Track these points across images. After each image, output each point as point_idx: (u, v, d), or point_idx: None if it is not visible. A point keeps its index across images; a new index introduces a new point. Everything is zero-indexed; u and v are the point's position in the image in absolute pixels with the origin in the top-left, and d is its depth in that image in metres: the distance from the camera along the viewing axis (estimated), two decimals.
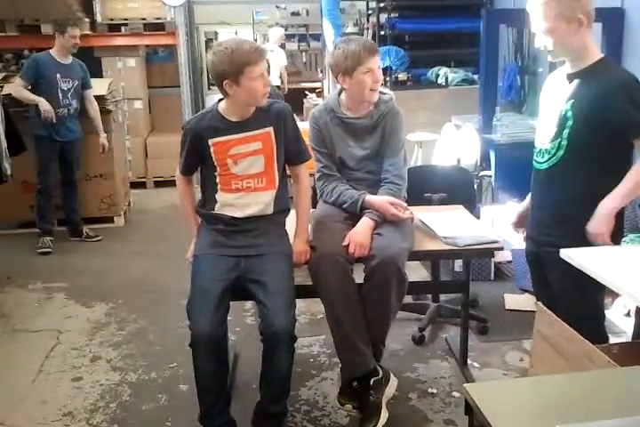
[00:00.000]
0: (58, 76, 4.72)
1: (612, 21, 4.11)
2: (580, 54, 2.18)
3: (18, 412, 2.75)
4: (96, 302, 3.89)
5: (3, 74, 5.54)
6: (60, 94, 4.73)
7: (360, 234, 2.48)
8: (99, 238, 5.06)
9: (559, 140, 2.19)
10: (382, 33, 6.65)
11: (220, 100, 2.49)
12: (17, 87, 4.65)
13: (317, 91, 8.22)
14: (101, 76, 6.50)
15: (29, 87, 4.70)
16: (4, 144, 3.74)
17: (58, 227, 5.12)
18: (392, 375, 2.58)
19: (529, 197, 2.51)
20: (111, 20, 6.76)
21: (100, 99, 5.24)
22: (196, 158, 2.52)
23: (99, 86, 5.38)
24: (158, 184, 6.72)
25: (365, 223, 2.52)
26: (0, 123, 3.71)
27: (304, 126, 2.67)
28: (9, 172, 3.74)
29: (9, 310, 3.78)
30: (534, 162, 2.33)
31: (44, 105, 4.58)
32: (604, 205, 2.13)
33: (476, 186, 4.04)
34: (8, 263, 4.25)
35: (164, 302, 3.82)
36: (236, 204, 2.47)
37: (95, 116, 5.02)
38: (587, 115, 2.13)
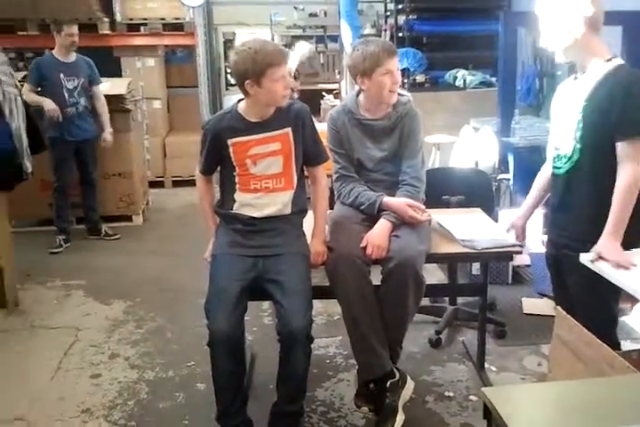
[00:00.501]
0: (61, 75, 4.76)
1: (633, 24, 4.08)
2: (590, 57, 2.17)
3: (36, 408, 2.78)
4: (114, 299, 3.92)
5: (24, 73, 5.59)
6: (66, 93, 4.77)
7: (378, 236, 2.48)
8: (117, 237, 5.10)
9: (574, 144, 2.19)
10: (400, 35, 6.65)
11: (240, 100, 2.50)
12: (26, 91, 4.69)
13: (334, 92, 8.22)
14: (120, 76, 6.55)
15: (39, 89, 4.75)
16: (26, 142, 3.77)
17: (77, 225, 5.18)
18: (409, 378, 2.58)
19: (525, 203, 2.56)
20: (130, 19, 6.82)
21: (119, 98, 5.29)
22: (216, 158, 2.53)
23: (118, 86, 5.44)
24: (176, 184, 6.76)
25: (383, 225, 2.52)
26: (22, 121, 3.74)
27: (321, 127, 2.68)
28: (29, 170, 3.77)
29: (28, 306, 3.83)
30: (553, 168, 2.33)
31: (48, 105, 4.63)
32: (604, 245, 2.08)
33: (494, 189, 4.03)
34: (27, 261, 4.28)
35: (181, 300, 3.85)
36: (254, 204, 2.48)
37: (102, 112, 5.03)
38: (595, 117, 2.13)
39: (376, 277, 2.48)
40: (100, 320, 3.65)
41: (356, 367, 2.58)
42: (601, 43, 2.19)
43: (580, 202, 2.23)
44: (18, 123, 3.70)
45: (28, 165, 3.79)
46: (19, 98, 3.80)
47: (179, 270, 4.33)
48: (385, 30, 7.21)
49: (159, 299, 3.93)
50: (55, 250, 4.80)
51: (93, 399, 2.84)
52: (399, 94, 2.67)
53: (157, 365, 3.13)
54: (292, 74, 7.60)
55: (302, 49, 8.28)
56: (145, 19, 6.82)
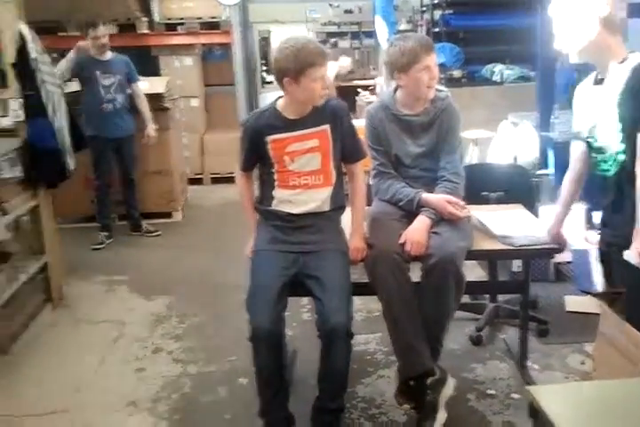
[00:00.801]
0: (97, 72, 4.85)
1: None
2: (607, 57, 2.13)
3: (82, 401, 2.85)
4: (156, 295, 3.99)
5: None
6: (103, 90, 4.86)
7: (417, 232, 2.48)
8: (158, 233, 5.19)
9: (619, 145, 2.15)
10: (436, 30, 6.60)
11: (279, 97, 2.51)
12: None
13: (370, 88, 8.20)
14: (159, 75, 6.65)
15: (71, 79, 4.87)
16: (68, 141, 3.85)
17: (120, 221, 5.27)
18: (449, 376, 2.56)
19: (557, 210, 2.53)
20: (168, 19, 6.90)
21: (157, 97, 5.37)
22: (255, 155, 2.55)
23: (156, 85, 5.52)
24: (215, 181, 6.84)
25: (422, 221, 2.52)
26: (64, 120, 3.82)
27: (357, 124, 2.68)
28: (72, 167, 3.85)
29: (73, 301, 3.92)
30: (601, 171, 2.27)
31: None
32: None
33: (534, 185, 3.98)
34: (72, 256, 4.37)
35: (222, 296, 3.90)
36: (293, 200, 2.50)
37: (142, 109, 5.12)
38: (630, 114, 2.08)
39: (416, 275, 2.47)
40: (143, 315, 3.72)
41: (397, 364, 2.57)
42: (618, 43, 2.13)
43: (631, 202, 2.20)
44: (60, 122, 3.79)
45: (71, 163, 3.88)
46: (62, 97, 3.89)
47: (219, 266, 4.38)
48: (421, 25, 7.16)
49: (200, 294, 3.98)
50: (98, 246, 4.91)
51: (138, 393, 2.89)
52: (437, 90, 2.66)
53: (200, 359, 3.18)
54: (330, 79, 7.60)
55: (343, 63, 8.24)
56: (182, 18, 6.90)
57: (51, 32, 6.58)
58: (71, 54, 4.81)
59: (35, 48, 3.62)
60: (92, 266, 4.49)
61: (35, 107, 3.63)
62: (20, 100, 3.61)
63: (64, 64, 4.75)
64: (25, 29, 3.59)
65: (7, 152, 3.58)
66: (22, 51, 3.58)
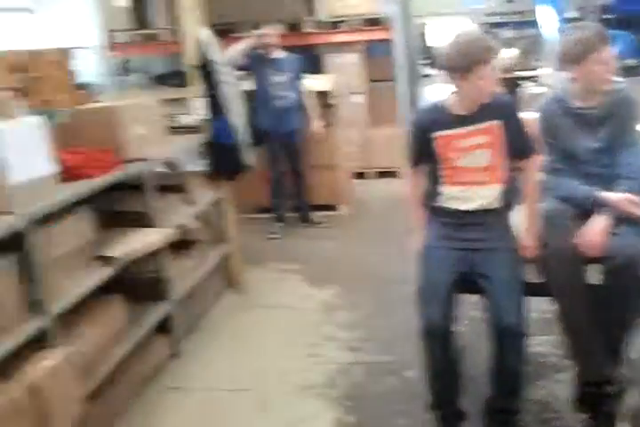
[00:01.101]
0: (268, 70, 5.09)
1: None
2: None
3: (261, 381, 3.07)
4: (326, 284, 4.18)
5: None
6: (273, 87, 5.10)
7: (593, 232, 2.39)
8: (326, 225, 5.40)
9: None
10: (606, 17, 6.25)
11: (448, 93, 2.50)
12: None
13: (533, 79, 7.92)
14: (324, 73, 6.86)
15: (242, 72, 5.07)
16: (246, 136, 4.12)
17: (292, 213, 5.53)
18: (632, 387, 2.45)
19: None
20: (333, 17, 7.10)
21: (324, 94, 5.58)
22: (423, 151, 2.55)
23: (322, 82, 5.73)
24: (379, 175, 6.94)
25: (599, 221, 2.42)
26: (241, 117, 4.08)
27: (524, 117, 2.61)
28: (250, 162, 4.12)
29: (250, 288, 4.20)
30: None
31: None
32: None
33: None
34: (249, 245, 4.62)
35: (389, 288, 3.99)
36: (460, 197, 2.49)
37: (308, 106, 5.31)
38: None
39: (594, 277, 2.39)
40: (315, 303, 3.92)
41: (573, 369, 2.50)
42: None
43: None
44: (238, 119, 4.07)
45: (248, 158, 4.16)
46: (238, 96, 4.16)
47: (384, 259, 4.48)
48: (591, 13, 6.82)
49: (367, 286, 4.11)
50: (273, 236, 5.21)
51: (312, 377, 3.06)
52: (614, 81, 2.54)
53: (370, 349, 3.29)
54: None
55: (509, 54, 7.93)
56: (344, 16, 7.06)
57: (223, 34, 7.01)
58: (241, 45, 4.99)
59: (214, 51, 3.93)
60: (267, 255, 4.77)
61: (214, 105, 3.94)
62: (204, 99, 3.94)
63: (234, 52, 4.91)
64: (205, 33, 3.90)
65: (194, 148, 3.93)
66: (204, 54, 3.89)
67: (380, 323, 3.60)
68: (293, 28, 6.96)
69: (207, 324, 3.72)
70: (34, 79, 4.63)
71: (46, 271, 2.38)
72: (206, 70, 3.86)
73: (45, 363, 2.25)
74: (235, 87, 4.13)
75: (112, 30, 6.77)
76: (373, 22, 7.07)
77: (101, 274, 2.73)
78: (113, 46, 6.74)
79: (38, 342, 2.31)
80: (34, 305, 2.33)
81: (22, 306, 2.30)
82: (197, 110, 4.04)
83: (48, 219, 2.45)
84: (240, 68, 5.01)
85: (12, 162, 2.30)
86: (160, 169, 3.67)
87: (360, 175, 6.92)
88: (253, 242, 4.96)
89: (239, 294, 4.14)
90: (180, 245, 3.60)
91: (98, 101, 4.02)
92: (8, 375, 2.15)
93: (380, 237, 5.01)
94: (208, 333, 3.62)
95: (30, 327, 2.28)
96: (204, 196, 3.90)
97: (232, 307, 3.95)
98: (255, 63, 5.12)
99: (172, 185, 3.64)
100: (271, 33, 5.15)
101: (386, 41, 7.27)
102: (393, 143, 6.25)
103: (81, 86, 5.69)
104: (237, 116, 4.05)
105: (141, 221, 3.12)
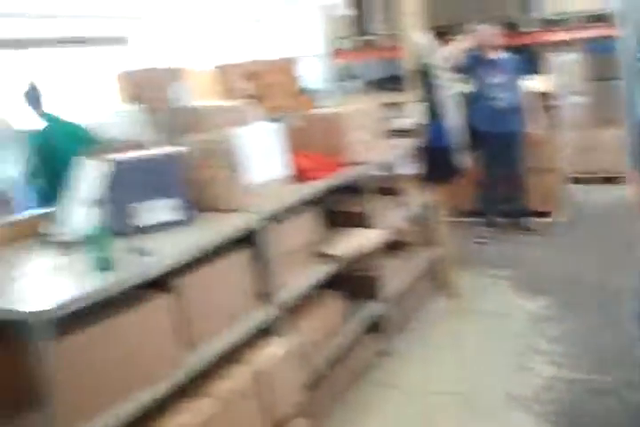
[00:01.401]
0: (486, 71, 5.00)
1: None
2: None
3: (467, 386, 3.06)
4: (537, 293, 4.05)
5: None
6: (490, 88, 5.01)
7: None
8: (539, 232, 5.20)
9: None
10: None
11: None
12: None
13: None
14: (543, 73, 6.59)
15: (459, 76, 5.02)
16: (461, 140, 4.09)
17: (503, 218, 5.38)
18: None
19: None
20: (552, 15, 6.78)
21: (545, 95, 5.36)
22: None
23: (543, 83, 5.51)
24: (604, 180, 6.52)
25: None
26: (458, 120, 4.05)
27: None
28: (464, 166, 4.09)
29: (459, 291, 4.18)
30: None
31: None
32: None
33: None
34: (460, 248, 4.57)
35: (605, 303, 3.77)
36: None
37: (528, 107, 5.14)
38: None
39: None
40: (525, 313, 3.81)
41: None
42: None
43: None
44: (454, 122, 4.06)
45: (464, 161, 4.13)
46: (456, 99, 4.14)
47: (601, 270, 4.23)
48: None
49: (582, 298, 3.91)
50: (481, 240, 5.14)
51: (517, 389, 2.99)
52: None
53: (582, 365, 3.14)
54: None
55: None
56: (565, 13, 6.70)
57: (440, 37, 7.00)
58: (459, 46, 4.85)
59: (432, 54, 3.95)
60: (475, 259, 4.72)
61: (431, 109, 3.97)
62: (420, 103, 3.98)
63: (451, 53, 4.85)
64: (424, 37, 3.93)
65: (408, 151, 4.00)
66: (422, 57, 3.93)
67: (593, 339, 3.41)
68: (510, 27, 6.76)
69: (417, 325, 3.78)
70: (266, 86, 5.02)
71: (275, 265, 2.58)
72: (424, 74, 3.90)
73: (271, 351, 2.45)
74: (452, 90, 4.13)
75: (335, 38, 7.07)
76: (596, 19, 6.64)
77: (323, 270, 2.89)
78: (335, 53, 7.04)
79: (264, 331, 2.52)
80: (263, 296, 2.54)
81: (253, 296, 2.51)
82: (414, 114, 4.11)
83: (278, 217, 2.64)
84: (457, 70, 4.99)
85: (252, 164, 2.53)
86: (377, 172, 3.79)
87: (578, 180, 6.53)
88: (461, 246, 4.91)
89: (448, 297, 4.14)
90: (393, 247, 3.69)
91: (321, 107, 4.23)
92: (237, 360, 2.37)
93: (598, 247, 4.73)
94: (418, 334, 3.67)
95: (259, 316, 2.49)
96: (417, 198, 3.95)
97: (441, 310, 3.98)
98: (472, 64, 5.07)
99: (386, 187, 3.74)
100: (488, 33, 5.06)
101: (608, 38, 6.80)
102: (618, 146, 5.80)
103: (305, 92, 6.06)
104: (454, 119, 4.05)
105: (359, 221, 3.26)
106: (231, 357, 2.34)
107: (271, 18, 7.16)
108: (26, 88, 3.95)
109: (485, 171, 5.17)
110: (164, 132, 2.94)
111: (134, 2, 5.41)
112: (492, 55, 5.11)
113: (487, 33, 5.07)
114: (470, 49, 5.03)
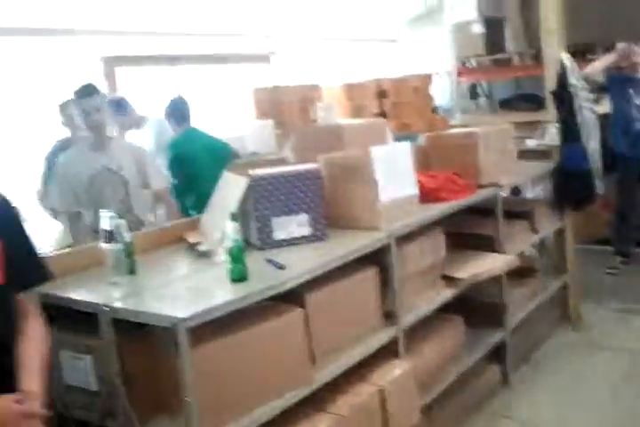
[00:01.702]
0: (630, 90, 4.75)
1: None
2: None
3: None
4: None
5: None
6: (635, 109, 4.74)
7: None
8: None
9: None
10: None
11: None
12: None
13: None
14: None
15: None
16: (599, 163, 3.90)
17: (638, 248, 5.05)
18: None
19: None
20: None
21: None
22: None
23: None
24: None
25: None
26: (597, 143, 3.88)
27: None
28: (600, 191, 3.90)
29: (586, 323, 3.97)
30: None
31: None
32: None
33: None
34: (585, 278, 4.35)
35: None
36: None
37: None
38: None
39: None
40: None
41: None
42: None
43: None
44: (593, 145, 3.87)
45: (599, 186, 3.93)
46: (596, 121, 3.96)
47: None
48: None
49: None
50: (612, 271, 4.85)
51: None
52: None
53: None
54: None
55: None
56: None
57: (579, 55, 6.73)
58: (601, 63, 4.70)
59: (574, 74, 3.80)
60: (605, 290, 4.47)
61: (570, 131, 3.81)
62: (557, 125, 3.84)
63: (592, 70, 4.61)
64: (566, 57, 3.79)
65: (541, 174, 3.85)
66: (563, 78, 3.79)
67: None
68: None
69: (540, 356, 3.62)
70: (395, 104, 5.02)
71: (401, 285, 2.56)
72: (564, 94, 3.76)
73: (394, 371, 2.43)
74: (593, 112, 3.95)
75: (467, 56, 6.96)
76: None
77: (447, 293, 2.83)
78: (465, 71, 6.94)
79: (386, 350, 2.49)
80: (388, 316, 2.53)
81: (378, 315, 2.50)
82: (550, 135, 3.98)
83: (405, 237, 2.63)
84: (598, 89, 4.80)
85: (383, 183, 2.53)
86: (506, 194, 3.69)
87: None
88: (590, 275, 4.68)
89: (574, 329, 3.94)
90: (518, 272, 3.56)
91: (453, 126, 4.19)
92: (359, 378, 2.36)
93: None
94: (540, 366, 3.52)
95: (384, 336, 2.47)
96: (547, 224, 3.80)
97: (566, 343, 3.78)
98: (615, 83, 4.84)
99: (516, 211, 3.62)
100: (634, 50, 4.81)
101: None
102: None
103: (436, 110, 6.01)
104: (592, 141, 3.88)
105: (487, 245, 3.17)
106: (353, 374, 2.34)
107: (406, 37, 7.20)
108: (173, 101, 4.18)
109: (621, 196, 4.89)
110: (301, 148, 3.00)
111: (273, 22, 5.60)
112: (637, 74, 4.85)
113: (630, 51, 4.82)
114: (609, 68, 4.82)
